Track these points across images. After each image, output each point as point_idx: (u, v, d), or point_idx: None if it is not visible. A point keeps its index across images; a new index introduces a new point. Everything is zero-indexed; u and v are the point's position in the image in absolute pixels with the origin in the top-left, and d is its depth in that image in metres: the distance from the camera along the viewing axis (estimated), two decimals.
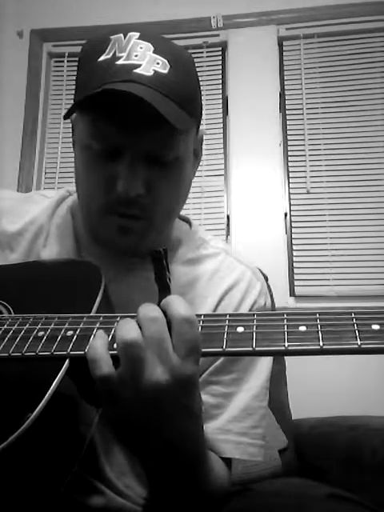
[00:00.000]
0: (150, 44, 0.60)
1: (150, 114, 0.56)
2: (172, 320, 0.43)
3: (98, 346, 0.43)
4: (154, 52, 0.60)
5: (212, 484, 0.58)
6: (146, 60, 0.59)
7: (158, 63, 0.59)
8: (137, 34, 0.60)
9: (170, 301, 0.44)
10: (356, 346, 0.40)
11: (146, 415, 0.44)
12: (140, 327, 0.43)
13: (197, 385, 0.45)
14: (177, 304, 0.44)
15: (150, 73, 0.58)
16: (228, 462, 0.67)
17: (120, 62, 0.58)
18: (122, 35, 0.60)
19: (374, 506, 0.62)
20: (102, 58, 0.59)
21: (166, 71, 0.59)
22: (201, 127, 0.72)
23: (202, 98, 0.70)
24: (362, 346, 0.40)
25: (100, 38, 0.62)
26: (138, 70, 0.58)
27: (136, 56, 0.59)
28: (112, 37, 0.61)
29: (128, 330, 0.42)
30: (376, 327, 0.41)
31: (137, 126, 0.59)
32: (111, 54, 0.59)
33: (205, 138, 0.74)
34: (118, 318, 0.48)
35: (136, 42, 0.60)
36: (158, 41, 0.61)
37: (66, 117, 0.63)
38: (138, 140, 0.60)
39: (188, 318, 0.42)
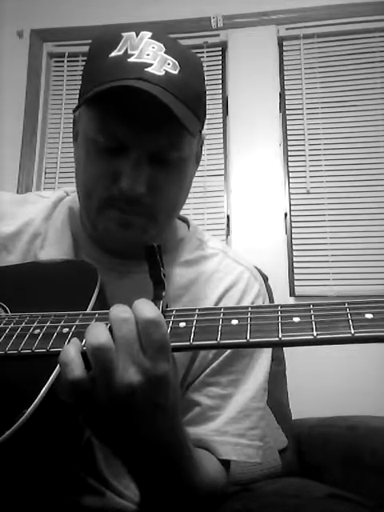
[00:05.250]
0: (161, 44, 0.60)
1: (159, 114, 0.57)
2: (138, 323, 0.42)
3: (70, 349, 0.42)
4: (165, 52, 0.60)
5: (200, 481, 0.57)
6: (157, 60, 0.59)
7: (168, 64, 0.59)
8: (149, 34, 0.61)
9: (135, 304, 0.44)
10: (349, 335, 0.40)
11: (119, 415, 0.43)
12: (111, 328, 0.42)
13: (170, 382, 0.44)
14: (141, 306, 0.43)
15: (162, 73, 0.58)
16: (226, 463, 0.67)
17: (132, 59, 0.59)
18: (134, 33, 0.61)
19: (373, 505, 0.61)
20: (114, 53, 0.59)
21: (176, 72, 0.60)
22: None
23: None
24: (356, 335, 0.40)
25: (111, 34, 0.62)
26: (149, 69, 0.58)
27: (148, 55, 0.59)
28: (124, 34, 0.61)
29: (97, 333, 0.42)
30: (369, 316, 0.41)
31: (146, 125, 0.60)
32: (123, 51, 0.59)
33: (205, 137, 0.74)
34: None
35: (148, 41, 0.60)
36: (168, 42, 0.62)
37: (75, 110, 0.64)
38: (145, 139, 0.60)
39: (153, 320, 0.42)
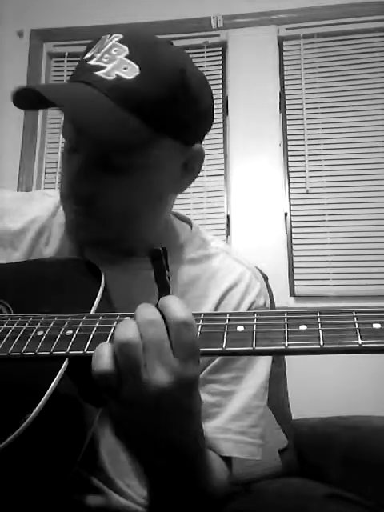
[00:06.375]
0: (126, 47, 0.59)
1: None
2: (169, 323, 0.42)
3: (105, 344, 0.43)
4: (127, 56, 0.58)
5: (211, 483, 0.58)
6: (113, 63, 0.58)
7: (125, 68, 0.58)
8: (119, 36, 0.60)
9: (167, 303, 0.43)
10: (357, 345, 0.40)
11: (146, 415, 0.43)
12: (139, 328, 0.42)
13: (197, 385, 0.44)
14: (174, 306, 0.43)
15: (111, 77, 0.57)
16: (227, 460, 0.68)
17: (91, 62, 0.59)
18: (109, 35, 0.61)
19: (373, 505, 0.61)
20: (86, 56, 0.61)
21: (130, 77, 0.57)
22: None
23: None
24: (363, 345, 0.39)
25: (98, 36, 0.62)
26: (99, 72, 0.58)
27: (106, 58, 0.59)
28: (103, 36, 0.61)
29: (125, 330, 0.42)
30: (377, 326, 0.40)
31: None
32: (91, 54, 0.60)
33: (201, 150, 0.68)
34: (118, 317, 0.48)
35: (114, 43, 0.59)
36: (138, 45, 0.59)
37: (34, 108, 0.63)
38: (87, 142, 0.60)
39: (185, 321, 0.42)
